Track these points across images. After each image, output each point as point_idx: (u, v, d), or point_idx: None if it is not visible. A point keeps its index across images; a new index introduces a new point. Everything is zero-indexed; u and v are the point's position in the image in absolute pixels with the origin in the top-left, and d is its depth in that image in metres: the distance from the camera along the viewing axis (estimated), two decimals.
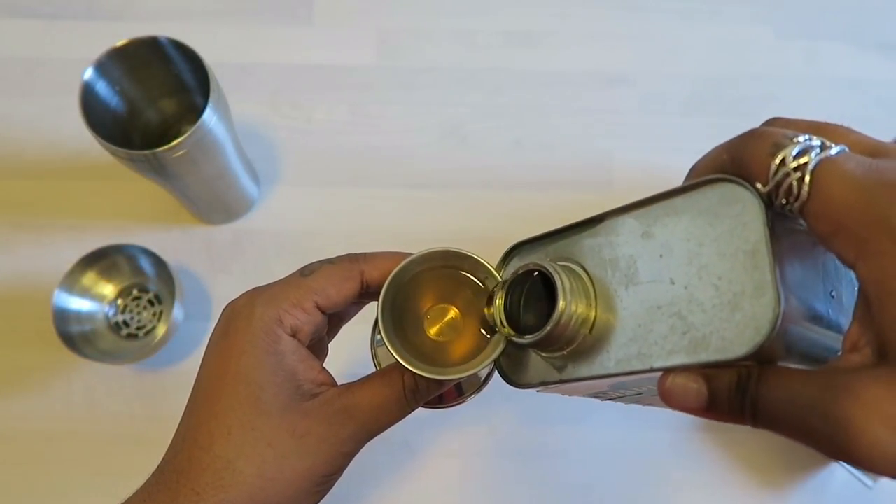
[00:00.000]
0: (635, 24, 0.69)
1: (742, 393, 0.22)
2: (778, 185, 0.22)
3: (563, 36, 0.68)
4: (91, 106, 0.47)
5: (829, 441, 0.20)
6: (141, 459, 0.53)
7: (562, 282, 0.26)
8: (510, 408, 0.55)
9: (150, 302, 0.57)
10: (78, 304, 0.54)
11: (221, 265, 0.59)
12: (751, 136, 0.23)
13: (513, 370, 0.32)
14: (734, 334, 0.22)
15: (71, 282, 0.53)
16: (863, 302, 0.22)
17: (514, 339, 0.28)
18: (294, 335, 0.32)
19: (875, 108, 0.66)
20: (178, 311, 0.53)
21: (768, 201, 0.22)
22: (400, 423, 0.55)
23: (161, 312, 0.57)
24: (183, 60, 0.50)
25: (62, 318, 0.52)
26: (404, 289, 0.33)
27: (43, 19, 0.67)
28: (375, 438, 0.34)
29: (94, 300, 0.55)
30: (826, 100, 0.66)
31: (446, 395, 0.39)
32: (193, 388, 0.33)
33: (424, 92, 0.65)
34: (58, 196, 0.60)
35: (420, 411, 0.35)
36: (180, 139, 0.45)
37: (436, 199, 0.61)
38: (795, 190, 0.21)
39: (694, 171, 0.27)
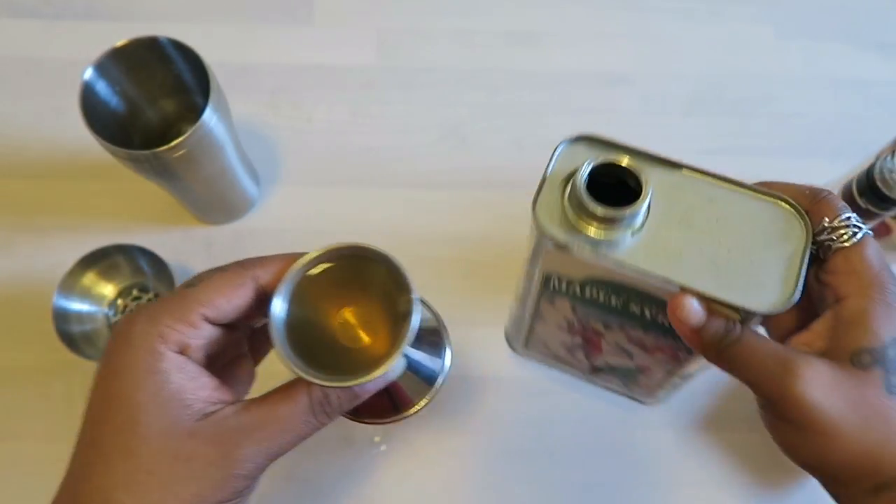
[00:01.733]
0: (635, 24, 0.69)
1: (725, 333, 0.31)
2: (825, 232, 0.32)
3: (563, 36, 0.68)
4: (91, 106, 0.47)
5: (776, 383, 0.30)
6: None
7: (647, 178, 0.31)
8: (510, 408, 0.55)
9: (150, 302, 0.57)
10: (78, 304, 0.54)
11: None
12: (827, 194, 0.32)
13: (548, 218, 0.33)
14: (753, 297, 0.31)
15: (71, 282, 0.53)
16: (832, 321, 0.31)
17: (587, 202, 0.31)
18: (182, 352, 0.30)
19: (875, 108, 0.66)
20: None
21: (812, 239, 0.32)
22: (401, 422, 0.55)
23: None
24: (183, 60, 0.50)
25: (62, 318, 0.52)
26: (305, 292, 0.31)
27: (43, 19, 0.67)
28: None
29: (94, 300, 0.55)
30: (826, 100, 0.66)
31: (400, 403, 0.36)
32: (83, 417, 0.30)
33: (424, 92, 0.66)
34: (58, 196, 0.60)
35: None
36: (180, 139, 0.45)
37: (436, 199, 0.61)
38: (835, 244, 0.32)
39: (772, 185, 0.34)
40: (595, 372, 0.49)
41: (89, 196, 0.61)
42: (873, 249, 0.31)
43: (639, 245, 0.32)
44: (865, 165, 0.45)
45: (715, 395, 0.56)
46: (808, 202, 0.33)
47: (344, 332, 0.31)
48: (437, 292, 0.58)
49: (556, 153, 0.34)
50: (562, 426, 0.54)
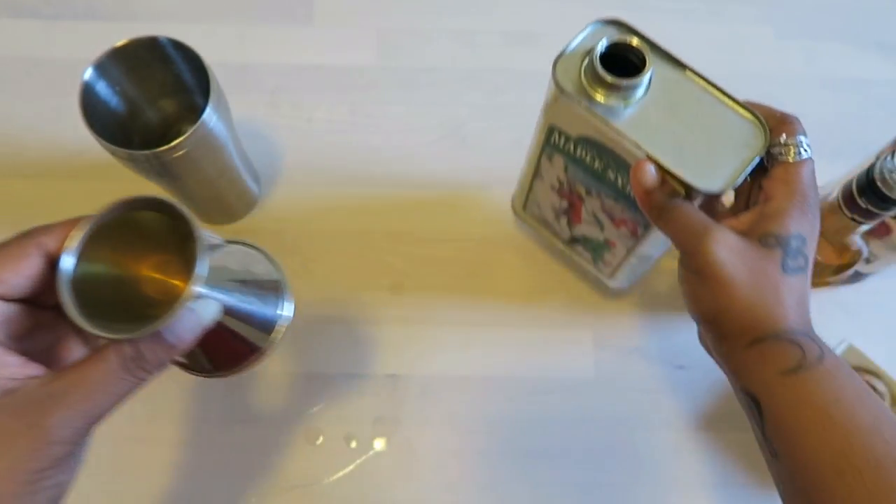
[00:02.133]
0: (635, 24, 0.68)
1: (668, 199, 0.38)
2: (778, 146, 0.38)
3: (563, 36, 0.67)
4: (91, 106, 0.47)
5: (694, 240, 0.36)
6: (141, 459, 0.53)
7: (651, 60, 0.39)
8: (510, 407, 0.55)
9: None
10: None
11: None
12: (793, 119, 0.39)
13: (564, 76, 0.40)
14: (698, 179, 0.37)
15: None
16: (756, 215, 0.37)
17: (598, 69, 0.38)
18: None
19: (875, 108, 0.66)
20: None
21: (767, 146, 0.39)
22: (401, 424, 0.55)
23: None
24: (183, 60, 0.50)
25: None
26: (100, 250, 0.31)
27: (43, 19, 0.67)
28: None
29: None
30: (826, 100, 0.66)
31: (238, 354, 0.37)
32: None
33: (424, 92, 0.66)
34: (58, 196, 0.60)
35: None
36: (180, 139, 0.45)
37: (436, 199, 0.61)
38: (781, 157, 0.38)
39: (754, 104, 0.39)
40: (572, 242, 0.54)
41: (89, 196, 0.60)
42: (809, 170, 0.38)
43: (628, 116, 0.39)
44: (865, 165, 0.45)
45: (715, 395, 0.56)
46: (775, 122, 0.39)
47: (152, 286, 0.31)
48: (437, 292, 0.58)
49: (587, 30, 0.41)
50: (562, 426, 0.54)
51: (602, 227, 0.49)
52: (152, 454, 0.53)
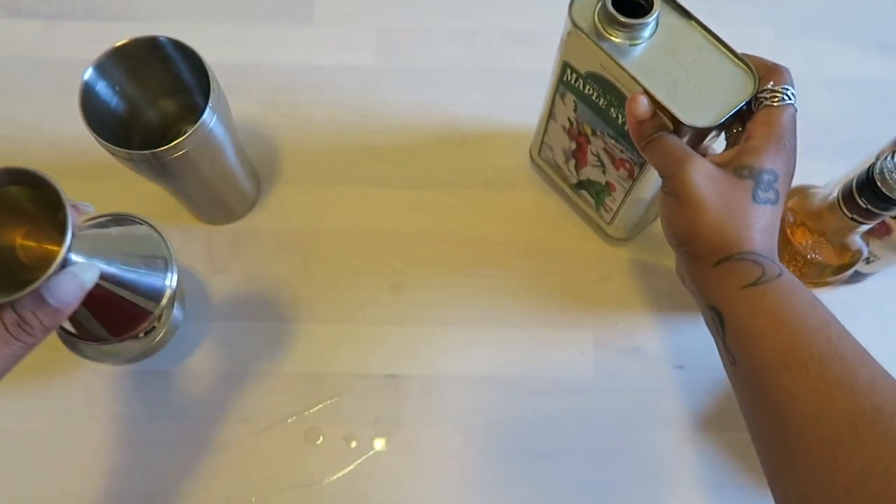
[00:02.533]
0: None
1: (655, 130, 0.41)
2: (765, 92, 0.41)
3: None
4: (91, 106, 0.47)
5: (674, 166, 0.40)
6: (141, 459, 0.53)
7: (658, 5, 0.42)
8: (510, 407, 0.55)
9: None
10: None
11: (221, 265, 0.59)
12: (783, 69, 0.42)
13: (579, 16, 0.44)
14: (686, 114, 0.41)
15: None
16: (736, 151, 0.40)
17: (609, 8, 0.42)
18: None
19: (875, 108, 0.66)
20: (178, 311, 0.53)
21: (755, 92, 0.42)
22: (401, 424, 0.55)
23: (161, 313, 0.57)
24: (183, 60, 0.50)
25: None
26: None
27: (43, 19, 0.67)
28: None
29: None
30: (826, 100, 0.66)
31: (129, 320, 0.41)
32: None
33: (424, 92, 0.66)
34: None
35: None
36: (180, 139, 0.45)
37: (436, 199, 0.61)
38: (765, 102, 0.41)
39: (749, 56, 0.43)
40: (579, 187, 0.58)
41: (89, 196, 0.60)
42: (789, 115, 0.40)
43: (632, 56, 0.43)
44: (865, 165, 0.45)
45: (715, 395, 0.56)
46: (766, 70, 0.42)
47: (28, 254, 0.32)
48: (436, 292, 0.58)
49: None
50: (562, 426, 0.54)
51: (604, 170, 0.53)
52: (152, 454, 0.53)
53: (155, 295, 0.44)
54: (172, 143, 0.45)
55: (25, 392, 0.54)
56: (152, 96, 0.53)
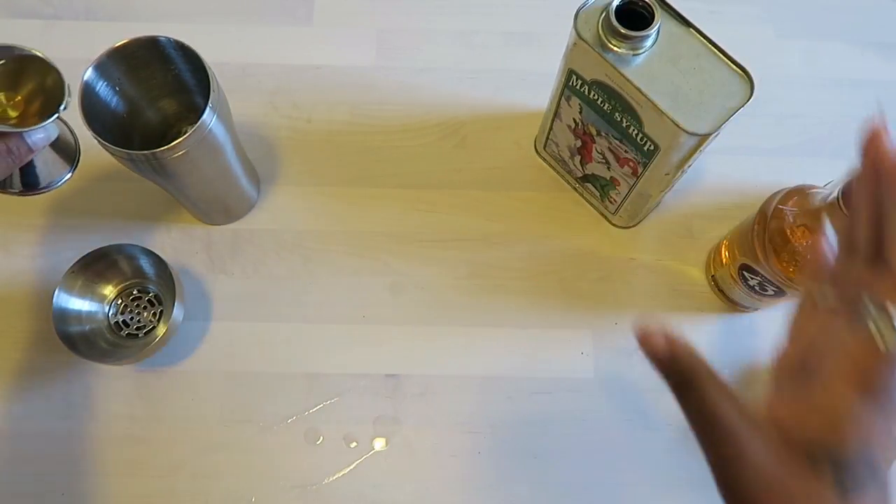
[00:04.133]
0: None
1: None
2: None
3: (562, 36, 0.68)
4: (91, 106, 0.47)
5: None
6: (141, 459, 0.53)
7: (659, 15, 0.44)
8: (510, 407, 0.55)
9: (150, 302, 0.57)
10: (78, 304, 0.54)
11: (221, 265, 0.59)
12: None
13: (584, 26, 0.46)
14: (695, 121, 0.43)
15: (71, 282, 0.53)
16: None
17: (612, 21, 0.44)
18: None
19: (875, 108, 0.66)
20: (178, 311, 0.53)
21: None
22: (401, 424, 0.55)
23: (161, 312, 0.57)
24: (183, 60, 0.50)
25: (62, 318, 0.52)
26: None
27: (43, 19, 0.67)
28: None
29: (94, 300, 0.55)
30: (826, 100, 0.66)
31: (49, 173, 0.46)
32: None
33: (424, 92, 0.66)
34: (58, 196, 0.60)
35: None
36: (180, 139, 0.45)
37: (436, 199, 0.61)
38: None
39: None
40: (583, 181, 0.59)
41: (89, 196, 0.61)
42: None
43: (635, 64, 0.45)
44: None
45: None
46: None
47: (13, 110, 0.40)
48: (437, 292, 0.58)
49: None
50: (562, 426, 0.54)
51: (609, 167, 0.54)
52: (152, 454, 0.53)
53: (70, 156, 0.47)
54: (172, 144, 0.45)
55: (26, 392, 0.54)
56: (152, 96, 0.53)
